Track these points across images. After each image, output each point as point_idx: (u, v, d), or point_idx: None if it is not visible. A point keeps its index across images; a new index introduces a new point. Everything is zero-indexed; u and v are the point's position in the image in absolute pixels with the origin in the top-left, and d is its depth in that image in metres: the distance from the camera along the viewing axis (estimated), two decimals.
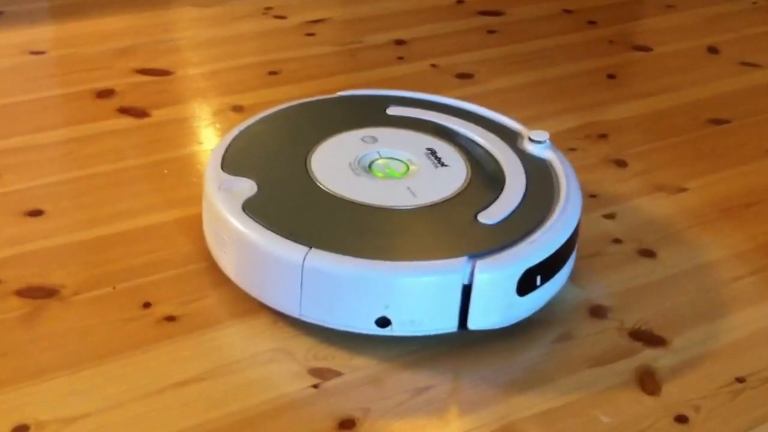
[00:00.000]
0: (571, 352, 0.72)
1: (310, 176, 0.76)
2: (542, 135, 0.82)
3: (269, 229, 0.70)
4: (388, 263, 0.67)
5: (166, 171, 0.92)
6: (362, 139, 0.80)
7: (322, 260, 0.68)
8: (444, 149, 0.81)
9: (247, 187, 0.74)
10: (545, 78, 1.15)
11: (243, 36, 1.21)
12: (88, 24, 1.21)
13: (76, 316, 0.73)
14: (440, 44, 1.22)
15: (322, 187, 0.75)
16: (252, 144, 0.81)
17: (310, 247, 0.68)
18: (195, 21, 1.25)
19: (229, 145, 0.80)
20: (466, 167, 0.79)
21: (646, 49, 1.24)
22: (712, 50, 1.24)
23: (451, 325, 0.69)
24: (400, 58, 1.17)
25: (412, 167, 0.79)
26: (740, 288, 0.80)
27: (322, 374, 0.69)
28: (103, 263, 0.79)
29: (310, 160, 0.78)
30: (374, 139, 0.80)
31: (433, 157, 0.79)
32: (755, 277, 0.82)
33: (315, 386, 0.68)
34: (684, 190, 0.94)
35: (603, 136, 1.03)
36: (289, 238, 0.69)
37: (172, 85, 1.08)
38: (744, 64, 1.21)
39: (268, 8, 1.29)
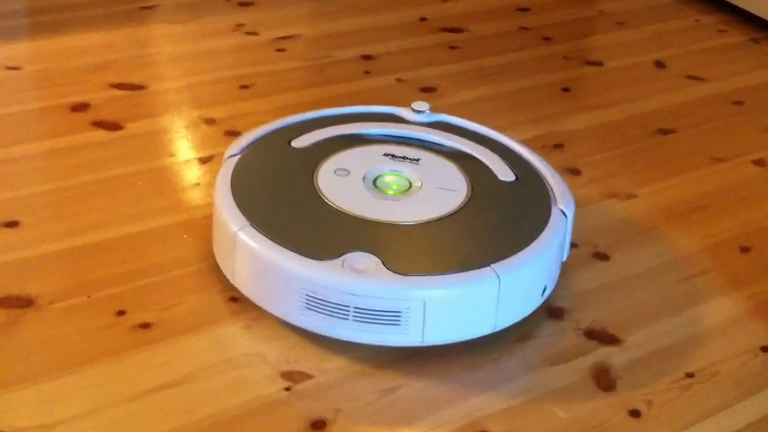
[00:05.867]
0: (531, 351, 0.73)
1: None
2: (423, 105, 0.87)
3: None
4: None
5: (140, 182, 0.91)
6: (335, 172, 0.79)
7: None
8: (398, 150, 0.83)
9: None
10: (504, 91, 1.16)
11: (215, 51, 1.20)
12: (64, 40, 1.19)
13: (52, 325, 0.72)
14: (405, 59, 1.22)
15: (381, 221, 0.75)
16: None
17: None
18: (169, 37, 1.24)
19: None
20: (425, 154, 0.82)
21: (598, 63, 1.25)
22: (660, 65, 1.26)
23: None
24: (367, 72, 1.17)
25: (413, 181, 0.79)
26: (689, 288, 0.81)
27: (293, 377, 0.68)
28: (78, 273, 0.77)
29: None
30: (347, 172, 0.79)
31: (397, 158, 0.81)
32: (703, 278, 0.83)
33: (287, 389, 0.67)
34: (635, 196, 0.95)
35: (559, 146, 1.04)
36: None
37: (145, 99, 1.07)
38: (689, 77, 1.23)
39: (240, 25, 1.28)
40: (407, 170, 0.80)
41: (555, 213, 0.77)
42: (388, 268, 0.68)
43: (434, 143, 0.85)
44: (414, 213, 0.75)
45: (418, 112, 0.89)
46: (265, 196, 0.76)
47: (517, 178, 0.80)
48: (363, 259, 0.69)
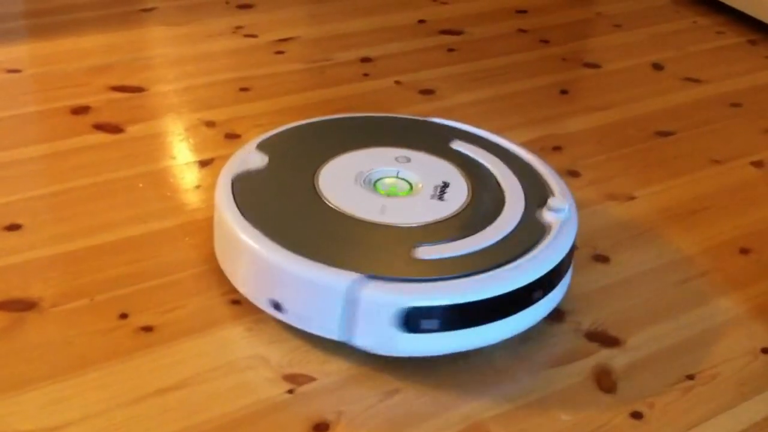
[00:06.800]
0: (532, 353, 0.73)
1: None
2: (561, 204, 0.76)
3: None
4: (291, 254, 0.68)
5: (141, 185, 0.91)
6: (396, 158, 0.80)
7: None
8: (459, 186, 0.78)
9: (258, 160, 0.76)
10: (502, 93, 1.16)
11: (215, 54, 1.20)
12: (64, 43, 1.19)
13: (55, 327, 0.71)
14: (404, 62, 1.22)
15: (320, 195, 0.76)
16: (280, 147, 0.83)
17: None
18: (168, 39, 1.23)
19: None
20: (463, 208, 0.75)
21: (595, 66, 1.26)
22: (657, 66, 1.26)
23: (336, 333, 0.68)
24: (366, 74, 1.17)
25: (415, 190, 0.78)
26: (689, 289, 0.82)
27: (296, 380, 0.68)
28: (80, 275, 0.77)
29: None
30: (407, 160, 0.80)
31: (439, 190, 0.77)
32: (702, 279, 0.83)
33: (290, 391, 0.67)
34: (634, 198, 0.95)
35: (557, 148, 1.04)
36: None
37: (146, 102, 1.07)
38: (687, 79, 1.23)
39: (239, 27, 1.28)
40: (428, 189, 0.77)
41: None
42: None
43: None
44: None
45: (554, 210, 0.77)
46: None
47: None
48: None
